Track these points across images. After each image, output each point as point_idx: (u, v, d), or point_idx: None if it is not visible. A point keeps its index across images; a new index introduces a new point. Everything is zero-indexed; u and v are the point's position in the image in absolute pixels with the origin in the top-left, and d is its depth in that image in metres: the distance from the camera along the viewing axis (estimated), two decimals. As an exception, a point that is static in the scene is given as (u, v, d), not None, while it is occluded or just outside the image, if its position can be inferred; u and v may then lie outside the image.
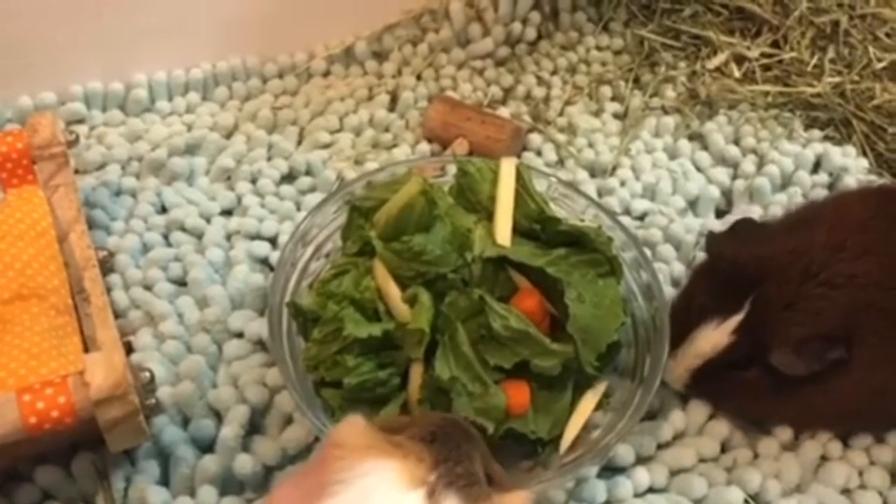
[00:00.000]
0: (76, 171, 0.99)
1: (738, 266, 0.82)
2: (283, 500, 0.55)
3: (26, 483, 0.76)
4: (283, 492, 0.56)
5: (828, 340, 0.77)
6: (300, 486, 0.55)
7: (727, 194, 1.09)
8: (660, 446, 0.85)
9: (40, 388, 0.69)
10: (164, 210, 1.01)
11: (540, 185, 0.89)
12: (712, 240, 0.87)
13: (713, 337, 0.81)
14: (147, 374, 0.77)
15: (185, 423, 0.82)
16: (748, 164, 1.11)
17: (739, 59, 1.24)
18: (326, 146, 1.10)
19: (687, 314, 0.84)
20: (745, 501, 0.81)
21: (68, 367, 0.74)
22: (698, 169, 1.12)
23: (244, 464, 0.78)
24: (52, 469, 0.77)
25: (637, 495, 0.81)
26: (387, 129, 1.14)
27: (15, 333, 0.78)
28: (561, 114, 1.17)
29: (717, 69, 1.23)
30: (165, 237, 0.98)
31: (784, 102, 1.19)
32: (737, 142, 1.15)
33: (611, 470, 0.82)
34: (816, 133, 1.16)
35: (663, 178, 1.09)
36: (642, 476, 0.81)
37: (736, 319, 0.80)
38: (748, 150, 1.13)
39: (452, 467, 0.54)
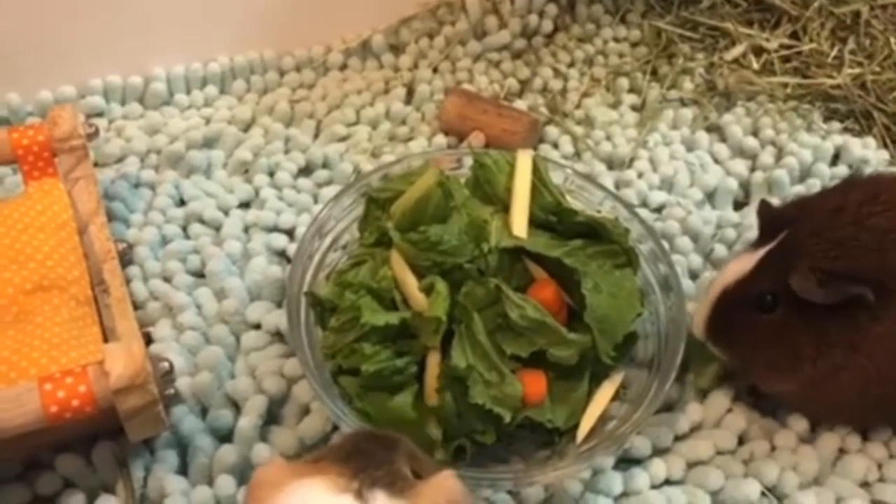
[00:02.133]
0: (95, 164, 1.00)
1: (775, 213, 0.82)
2: None
3: (48, 471, 0.77)
4: None
5: (853, 275, 0.74)
6: None
7: (745, 186, 1.09)
8: (677, 438, 0.84)
9: (61, 378, 0.70)
10: (182, 203, 1.02)
11: (556, 178, 0.89)
12: (763, 203, 0.86)
13: (738, 265, 0.79)
14: (166, 364, 0.77)
15: (204, 413, 0.83)
16: (767, 156, 1.10)
17: (758, 51, 1.23)
18: (343, 139, 1.11)
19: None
20: (762, 494, 0.80)
21: (88, 357, 0.75)
22: (716, 161, 1.11)
23: (262, 453, 0.79)
24: (72, 458, 0.77)
25: (653, 487, 0.81)
26: (403, 122, 1.14)
27: (36, 324, 0.79)
28: (578, 106, 1.17)
29: (736, 61, 1.22)
30: (184, 229, 0.99)
31: (803, 94, 1.18)
32: (755, 134, 1.14)
33: (627, 462, 0.82)
34: (836, 125, 1.15)
35: (681, 170, 1.08)
36: (659, 468, 0.81)
37: (764, 250, 0.78)
38: (767, 142, 1.12)
39: (372, 472, 0.56)
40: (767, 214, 0.84)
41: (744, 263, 0.80)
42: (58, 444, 0.77)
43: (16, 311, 0.79)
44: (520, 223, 0.82)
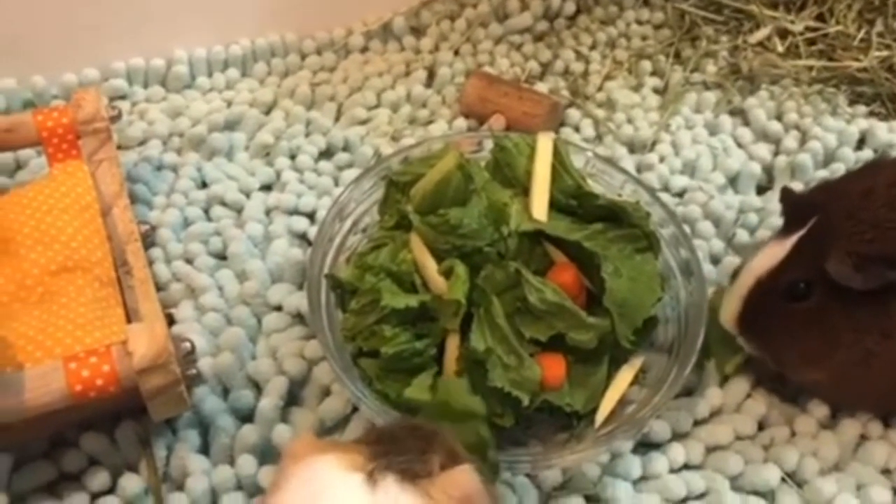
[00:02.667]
0: (118, 147, 1.01)
1: (801, 199, 0.80)
2: None
3: (73, 449, 0.78)
4: None
5: (890, 258, 0.72)
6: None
7: (768, 171, 1.08)
8: (696, 423, 0.84)
9: (85, 357, 0.71)
10: (204, 185, 1.02)
11: (577, 161, 0.89)
12: (786, 189, 0.84)
13: (771, 252, 0.77)
14: (188, 345, 0.78)
15: (226, 393, 0.84)
16: (790, 141, 1.09)
17: (783, 33, 1.22)
18: (364, 122, 1.11)
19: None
20: (782, 479, 0.80)
21: (112, 338, 0.76)
22: (739, 145, 1.10)
23: (283, 434, 0.79)
24: (97, 436, 0.78)
25: (672, 471, 0.81)
26: (424, 105, 1.14)
27: (61, 304, 0.80)
28: (600, 89, 1.16)
29: (760, 43, 1.21)
30: (206, 212, 1.00)
31: (828, 77, 1.17)
32: (779, 117, 1.13)
33: (646, 446, 0.82)
34: (862, 108, 1.14)
35: (703, 154, 1.08)
36: (678, 452, 0.81)
37: (796, 236, 0.77)
38: (791, 126, 1.11)
39: (394, 458, 0.56)
40: (792, 201, 0.82)
41: (774, 252, 0.78)
42: (83, 423, 0.78)
43: (41, 292, 0.80)
44: (540, 206, 0.82)
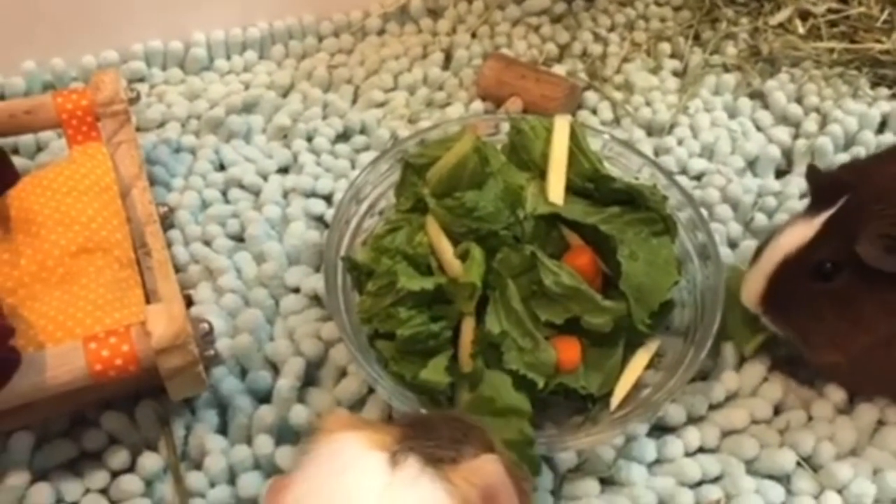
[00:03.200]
0: (137, 129, 1.02)
1: (829, 178, 0.79)
2: (271, 494, 0.57)
3: (93, 428, 0.79)
4: (273, 485, 0.58)
5: None
6: (288, 478, 0.58)
7: (788, 154, 1.07)
8: (712, 407, 0.84)
9: (105, 337, 0.72)
10: (222, 167, 1.03)
11: (595, 144, 0.89)
12: (812, 168, 0.83)
13: (798, 231, 0.76)
14: (206, 326, 0.79)
15: (243, 374, 0.85)
16: (810, 124, 1.08)
17: (804, 15, 1.20)
18: (381, 105, 1.11)
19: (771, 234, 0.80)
20: (798, 464, 0.80)
21: (131, 318, 0.77)
22: (758, 128, 1.09)
23: (300, 414, 0.80)
24: (117, 415, 0.80)
25: (687, 455, 0.81)
26: (441, 88, 1.13)
27: (81, 285, 0.80)
28: (618, 71, 1.16)
29: (781, 25, 1.20)
30: (224, 194, 1.00)
31: (850, 60, 1.16)
32: (799, 100, 1.12)
33: (661, 429, 0.82)
34: (884, 91, 1.13)
35: (722, 137, 1.07)
36: (693, 436, 0.81)
37: (825, 215, 0.76)
38: (811, 109, 1.10)
39: (422, 442, 0.56)
40: (820, 180, 0.81)
41: (802, 231, 0.77)
42: (103, 402, 0.80)
43: (62, 273, 0.81)
44: (556, 190, 0.82)
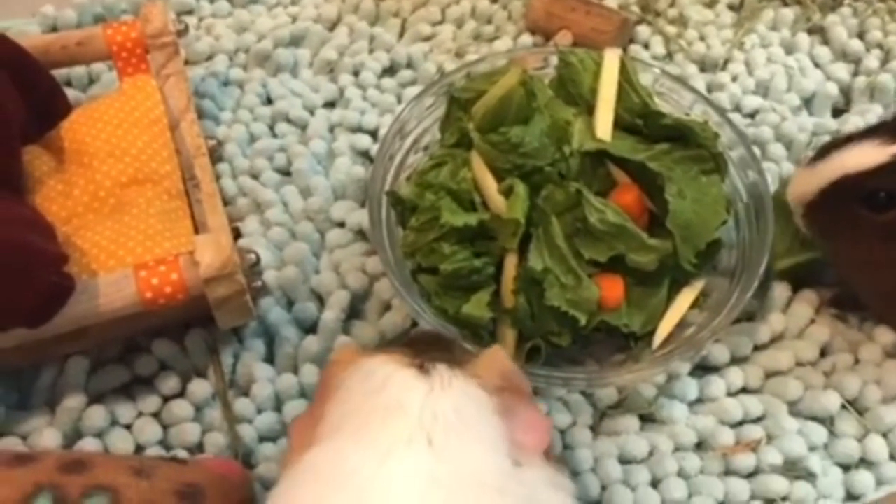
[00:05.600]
0: (186, 63, 1.02)
1: None
2: (297, 431, 0.59)
3: (145, 354, 0.82)
4: (296, 424, 0.60)
5: None
6: (310, 413, 0.60)
7: (846, 92, 1.03)
8: (756, 348, 0.83)
9: (154, 266, 0.74)
10: (269, 101, 1.03)
11: (646, 79, 0.87)
12: None
13: (866, 152, 0.74)
14: (253, 257, 0.80)
15: (290, 305, 0.86)
16: (872, 60, 1.04)
17: (871, -55, 1.15)
18: (428, 38, 1.09)
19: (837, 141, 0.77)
20: (842, 406, 0.79)
21: (181, 248, 0.78)
22: (816, 65, 1.06)
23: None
24: (167, 343, 0.82)
25: (729, 395, 0.81)
26: (489, 21, 1.11)
27: (132, 215, 0.82)
28: (672, 4, 1.12)
29: (845, -44, 1.14)
30: (271, 128, 1.00)
31: (918, -8, 1.11)
32: (861, 36, 1.07)
33: (704, 369, 0.82)
34: (953, 26, 1.08)
35: (778, 73, 1.04)
36: (736, 376, 0.81)
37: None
38: (873, 45, 1.06)
39: (433, 354, 0.60)
40: None
41: (869, 154, 0.74)
42: (154, 330, 0.82)
43: (113, 203, 0.83)
44: (604, 125, 0.81)
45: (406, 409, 0.54)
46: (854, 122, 0.98)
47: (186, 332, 0.82)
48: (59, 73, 0.94)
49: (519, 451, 0.56)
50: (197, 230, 0.83)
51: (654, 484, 0.76)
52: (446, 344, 0.66)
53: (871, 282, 0.79)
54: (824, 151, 0.77)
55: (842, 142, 0.77)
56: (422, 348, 0.61)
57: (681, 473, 0.76)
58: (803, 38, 1.07)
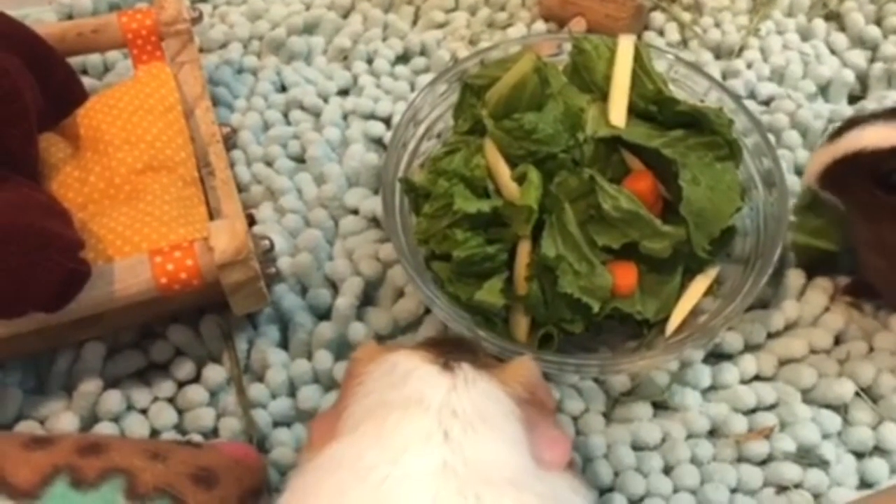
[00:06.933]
0: (200, 50, 1.02)
1: None
2: (319, 427, 0.59)
3: (160, 340, 0.82)
4: (318, 420, 0.61)
5: None
6: (333, 410, 0.60)
7: (863, 79, 1.02)
8: (770, 336, 0.83)
9: (169, 252, 0.74)
10: (283, 89, 1.03)
11: (660, 66, 0.86)
12: None
13: (884, 132, 0.74)
14: (267, 243, 0.81)
15: (304, 291, 0.86)
16: (889, 47, 1.03)
17: (889, -70, 1.14)
18: (441, 26, 1.09)
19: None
20: (856, 394, 0.79)
21: (195, 234, 0.79)
22: (833, 52, 1.05)
23: (358, 331, 0.82)
24: (183, 328, 0.82)
25: (742, 382, 0.81)
26: (502, 8, 1.11)
27: (147, 202, 0.83)
28: (686, -9, 1.12)
29: (863, -59, 1.13)
30: (285, 115, 1.01)
31: (937, -22, 1.09)
32: (878, 22, 1.06)
33: (717, 356, 0.82)
34: (971, 12, 1.07)
35: (794, 60, 1.03)
36: (749, 363, 0.81)
37: None
38: (890, 31, 1.05)
39: (458, 354, 0.59)
40: None
41: (887, 134, 0.74)
42: (169, 316, 0.82)
43: (128, 190, 0.83)
44: (618, 112, 0.80)
45: (426, 404, 0.54)
46: (871, 109, 0.98)
47: (201, 317, 0.83)
48: (74, 61, 0.95)
49: (539, 465, 0.56)
50: (212, 217, 0.84)
51: (667, 471, 0.76)
52: (472, 348, 0.65)
53: (881, 260, 0.79)
54: (842, 129, 0.77)
55: (865, 119, 0.77)
56: (447, 349, 0.60)
57: (693, 460, 0.76)
58: (819, 25, 1.07)
